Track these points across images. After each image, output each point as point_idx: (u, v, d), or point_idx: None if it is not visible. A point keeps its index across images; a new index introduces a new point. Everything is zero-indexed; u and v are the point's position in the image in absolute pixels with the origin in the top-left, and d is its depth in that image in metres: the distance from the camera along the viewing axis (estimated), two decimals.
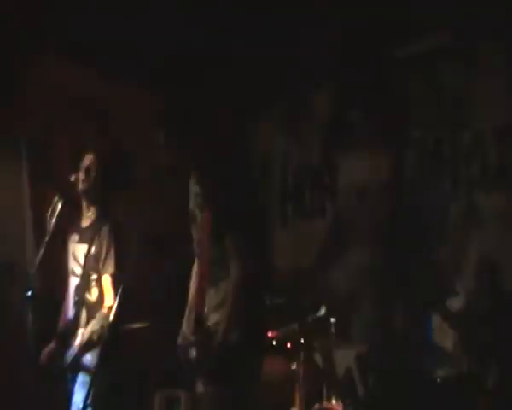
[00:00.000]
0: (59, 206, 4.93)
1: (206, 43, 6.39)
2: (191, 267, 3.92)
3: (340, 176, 6.62)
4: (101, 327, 4.75)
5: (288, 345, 5.66)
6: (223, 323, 3.49)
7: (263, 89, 7.28)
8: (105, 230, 4.99)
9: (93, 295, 4.96)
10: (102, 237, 4.97)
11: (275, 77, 7.04)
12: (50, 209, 4.93)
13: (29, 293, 4.74)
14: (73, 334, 4.99)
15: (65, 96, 6.92)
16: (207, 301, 3.64)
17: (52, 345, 5.08)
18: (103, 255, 4.95)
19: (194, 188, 3.83)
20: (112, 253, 4.94)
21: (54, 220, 4.91)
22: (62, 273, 5.34)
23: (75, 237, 5.22)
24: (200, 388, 3.66)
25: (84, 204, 5.18)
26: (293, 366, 5.40)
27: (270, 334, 5.62)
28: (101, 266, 4.96)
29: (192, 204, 3.83)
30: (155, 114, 3.82)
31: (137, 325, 6.02)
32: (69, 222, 5.31)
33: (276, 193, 7.59)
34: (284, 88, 7.30)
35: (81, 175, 5.08)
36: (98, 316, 4.84)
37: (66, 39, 6.56)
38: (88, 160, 5.12)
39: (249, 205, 3.65)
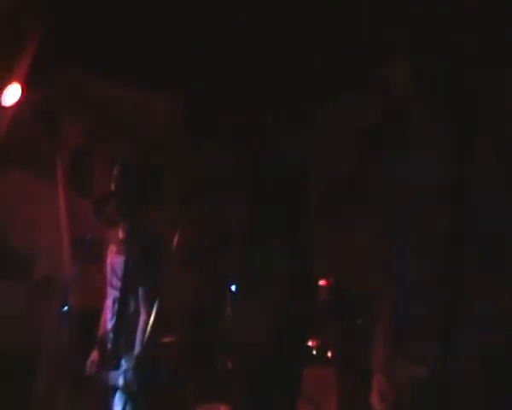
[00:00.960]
0: (95, 220, 4.89)
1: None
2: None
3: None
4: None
5: (329, 354, 5.58)
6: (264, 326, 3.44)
7: (297, 97, 7.22)
8: (143, 241, 4.97)
9: (130, 308, 4.92)
10: (139, 250, 4.94)
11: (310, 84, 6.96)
12: (87, 224, 4.89)
13: (65, 308, 4.67)
14: (115, 349, 4.96)
15: (100, 111, 6.95)
16: (247, 311, 3.61)
17: (95, 355, 5.06)
18: (141, 267, 4.91)
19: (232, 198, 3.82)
20: (149, 265, 4.90)
21: (90, 236, 4.86)
22: (100, 286, 5.31)
23: (113, 248, 5.21)
24: (240, 400, 3.60)
25: (121, 216, 5.15)
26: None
27: (310, 343, 5.57)
28: (138, 277, 4.92)
29: (229, 214, 3.81)
30: (190, 124, 3.80)
31: (169, 339, 6.03)
32: (106, 235, 5.31)
33: (315, 200, 7.48)
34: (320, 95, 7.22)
35: (112, 187, 5.05)
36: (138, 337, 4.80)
37: (100, 56, 6.55)
38: (118, 171, 5.09)
39: (290, 211, 3.63)
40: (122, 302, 4.91)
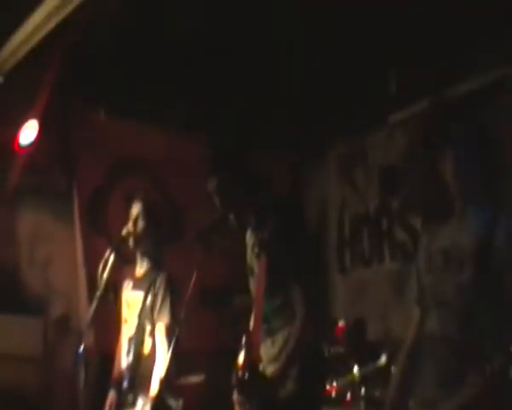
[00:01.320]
0: (111, 259, 4.83)
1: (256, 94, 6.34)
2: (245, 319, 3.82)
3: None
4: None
5: (348, 396, 5.48)
6: (280, 367, 3.37)
7: (317, 136, 7.20)
8: (160, 279, 4.93)
9: (146, 347, 4.86)
10: (158, 286, 4.91)
11: (330, 124, 6.94)
12: (102, 263, 4.83)
13: (80, 349, 4.59)
14: (132, 389, 4.86)
15: (117, 151, 6.96)
16: (264, 352, 3.57)
17: (111, 395, 4.98)
18: (158, 304, 4.87)
19: (250, 240, 3.79)
20: (167, 302, 4.85)
21: (106, 274, 4.80)
22: (115, 327, 5.26)
23: (129, 284, 5.18)
24: None
25: (138, 254, 5.12)
26: None
27: (328, 387, 5.47)
28: (155, 315, 4.86)
29: (249, 257, 3.78)
30: (209, 165, 3.77)
31: (194, 379, 5.95)
32: (123, 272, 5.29)
33: (333, 241, 7.43)
34: (339, 132, 7.20)
35: (130, 225, 5.02)
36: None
37: (116, 97, 6.56)
38: (136, 209, 5.07)
39: (309, 252, 3.60)
40: (138, 340, 4.83)
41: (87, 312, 4.86)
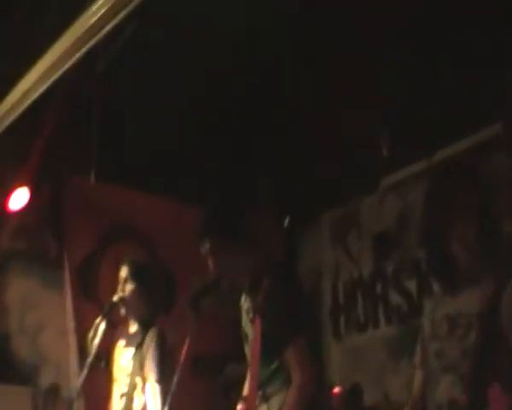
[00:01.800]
0: (102, 326, 4.76)
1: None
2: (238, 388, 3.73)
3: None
4: None
5: None
6: None
7: (310, 202, 7.19)
8: (151, 334, 4.87)
9: (136, 404, 4.77)
10: (148, 342, 4.84)
11: (322, 189, 6.93)
12: (93, 329, 4.75)
13: None
14: None
15: (109, 217, 6.91)
16: None
17: None
18: (147, 360, 4.79)
19: (245, 304, 3.73)
20: (156, 358, 4.78)
21: (96, 341, 4.72)
22: (107, 397, 5.16)
23: (122, 342, 5.12)
24: None
25: (129, 317, 5.08)
26: None
27: None
28: (145, 371, 4.78)
29: (244, 322, 3.72)
30: (202, 226, 3.71)
31: None
32: (116, 333, 5.23)
33: (327, 307, 7.36)
34: (331, 198, 7.18)
35: (119, 289, 4.99)
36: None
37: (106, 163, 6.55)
38: (124, 272, 5.04)
39: (305, 315, 3.53)
40: (128, 396, 4.74)
41: (79, 381, 4.72)
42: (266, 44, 5.42)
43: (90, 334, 4.75)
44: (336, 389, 5.79)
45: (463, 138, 5.84)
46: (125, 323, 5.17)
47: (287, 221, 5.16)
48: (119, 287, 5.00)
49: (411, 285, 6.35)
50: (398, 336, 6.42)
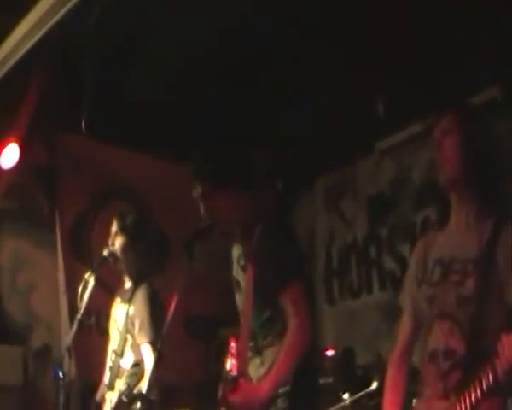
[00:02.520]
0: (91, 282, 4.70)
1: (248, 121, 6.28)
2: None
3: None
4: (129, 387, 4.46)
5: None
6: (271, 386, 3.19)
7: (303, 165, 7.13)
8: (141, 290, 4.86)
9: (126, 360, 4.76)
10: (138, 299, 4.83)
11: (315, 152, 6.85)
12: (82, 285, 4.69)
13: (59, 373, 4.44)
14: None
15: (102, 176, 6.85)
16: (253, 372, 3.40)
17: None
18: (139, 316, 4.77)
19: (236, 252, 3.66)
20: (148, 313, 4.75)
21: (85, 298, 4.66)
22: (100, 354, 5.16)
23: (118, 300, 5.12)
24: None
25: (122, 272, 5.06)
26: None
27: None
28: (138, 329, 4.76)
29: (235, 270, 3.65)
30: (194, 170, 3.64)
31: None
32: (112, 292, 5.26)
33: (320, 273, 7.32)
34: (325, 163, 7.12)
35: (110, 241, 4.95)
36: (125, 375, 4.58)
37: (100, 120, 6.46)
38: (115, 225, 5.02)
39: (299, 262, 3.46)
40: (118, 352, 4.70)
41: (70, 341, 4.65)
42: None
43: (80, 290, 4.69)
44: (329, 352, 5.75)
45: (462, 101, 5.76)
46: (120, 280, 5.15)
47: (280, 185, 5.08)
48: (110, 241, 4.94)
49: (406, 250, 6.29)
50: (391, 301, 6.35)
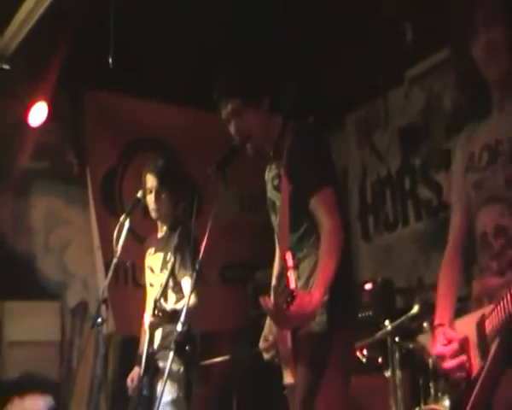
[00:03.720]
0: (126, 225, 4.66)
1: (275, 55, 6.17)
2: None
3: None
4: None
5: (380, 360, 5.28)
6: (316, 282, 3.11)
7: (333, 104, 7.04)
8: (179, 232, 4.80)
9: (170, 303, 4.69)
10: (176, 241, 4.76)
11: (344, 87, 6.76)
12: (117, 230, 4.65)
13: (99, 320, 4.41)
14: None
15: (130, 130, 6.82)
16: None
17: (135, 370, 4.84)
18: (179, 256, 4.71)
19: (269, 173, 3.61)
20: (188, 254, 4.69)
21: (121, 241, 4.62)
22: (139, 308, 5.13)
23: (151, 250, 5.08)
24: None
25: (156, 217, 5.01)
26: (387, 374, 4.98)
27: (358, 352, 5.27)
28: (177, 267, 4.71)
29: (269, 191, 3.59)
30: (222, 87, 3.56)
31: (219, 359, 5.78)
32: (145, 244, 5.20)
33: (355, 209, 7.25)
34: (354, 97, 7.02)
35: (148, 196, 4.92)
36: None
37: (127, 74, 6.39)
38: (148, 171, 4.97)
39: (330, 167, 3.38)
40: (161, 297, 4.66)
41: (106, 296, 4.61)
42: None
43: (115, 234, 4.65)
44: (368, 285, 5.68)
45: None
46: (152, 231, 5.13)
47: (311, 119, 4.98)
48: (148, 194, 4.93)
49: (440, 178, 6.18)
50: (428, 231, 6.28)
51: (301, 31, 6.10)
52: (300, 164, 3.28)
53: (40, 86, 6.03)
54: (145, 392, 4.62)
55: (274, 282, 3.56)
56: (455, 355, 2.62)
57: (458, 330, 2.68)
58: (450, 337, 2.66)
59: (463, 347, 2.62)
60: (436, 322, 2.76)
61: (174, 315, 4.44)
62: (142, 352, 4.79)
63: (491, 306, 2.51)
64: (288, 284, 2.86)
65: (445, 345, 2.65)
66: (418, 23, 5.87)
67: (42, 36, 5.75)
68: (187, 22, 5.95)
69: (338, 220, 3.18)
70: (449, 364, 2.63)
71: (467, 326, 2.64)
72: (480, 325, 2.56)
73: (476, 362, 2.57)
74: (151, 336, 4.70)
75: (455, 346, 2.63)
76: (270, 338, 3.57)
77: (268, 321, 3.62)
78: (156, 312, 4.45)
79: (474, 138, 2.75)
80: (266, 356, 3.62)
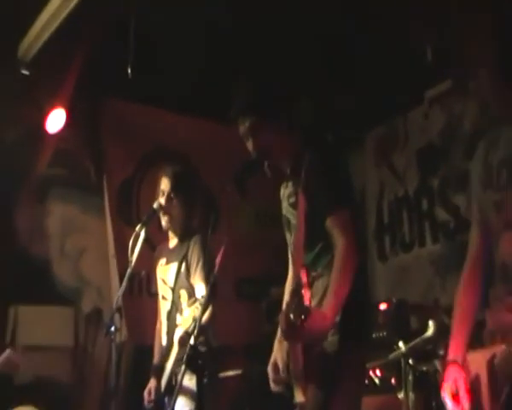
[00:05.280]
0: (142, 235, 4.65)
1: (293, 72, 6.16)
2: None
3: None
4: (194, 318, 4.35)
5: (393, 380, 5.24)
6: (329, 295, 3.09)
7: (353, 122, 7.02)
8: (194, 241, 4.76)
9: (185, 316, 4.54)
10: (192, 249, 4.74)
11: (365, 108, 6.75)
12: (132, 240, 4.64)
13: (112, 328, 4.40)
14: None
15: (147, 140, 6.84)
16: None
17: (151, 383, 4.78)
18: (194, 266, 4.69)
19: (285, 191, 3.59)
20: (203, 263, 4.65)
21: (136, 251, 4.61)
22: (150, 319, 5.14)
23: (163, 260, 5.02)
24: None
25: (170, 228, 4.96)
26: (400, 395, 4.94)
27: (371, 372, 5.24)
28: (192, 277, 4.68)
29: (285, 209, 3.57)
30: (241, 103, 3.54)
31: (231, 373, 5.77)
32: (155, 253, 5.16)
33: (371, 228, 7.25)
34: (374, 117, 7.00)
35: (161, 199, 4.87)
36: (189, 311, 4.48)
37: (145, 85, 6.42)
38: (164, 182, 4.92)
39: (348, 189, 3.36)
40: (175, 309, 4.66)
41: (120, 304, 4.60)
42: None
43: (130, 244, 4.64)
44: (383, 306, 5.64)
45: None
46: (163, 241, 5.09)
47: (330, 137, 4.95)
48: (160, 197, 4.88)
49: (458, 200, 6.15)
50: (445, 253, 6.27)
51: (322, 48, 6.10)
52: (318, 183, 3.26)
53: (59, 93, 6.04)
54: None
55: (287, 298, 3.53)
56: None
57: (470, 366, 2.65)
58: (458, 387, 2.64)
59: (474, 386, 2.60)
60: (450, 357, 2.73)
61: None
62: (158, 363, 4.79)
63: (503, 346, 2.48)
64: (302, 301, 2.84)
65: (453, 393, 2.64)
66: (439, 43, 5.85)
67: (61, 42, 5.76)
68: (207, 35, 5.96)
69: (353, 242, 3.16)
70: None
71: (478, 364, 2.61)
72: (492, 365, 2.53)
73: (487, 402, 2.54)
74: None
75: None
76: (279, 364, 3.52)
77: (276, 344, 3.59)
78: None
79: (493, 149, 2.68)
80: (274, 388, 3.59)
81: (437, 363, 4.61)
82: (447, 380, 2.69)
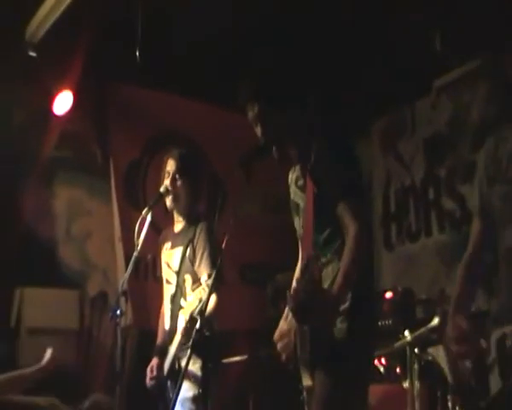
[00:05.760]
0: (148, 219, 4.64)
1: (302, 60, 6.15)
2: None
3: None
4: (200, 301, 4.35)
5: (398, 369, 5.25)
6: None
7: (360, 111, 7.00)
8: (200, 228, 4.74)
9: (189, 301, 4.54)
10: (197, 236, 4.72)
11: (372, 97, 6.73)
12: (138, 224, 4.63)
13: (117, 312, 4.40)
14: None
15: (154, 123, 6.83)
16: None
17: (154, 361, 4.79)
18: (199, 253, 4.67)
19: (293, 175, 3.59)
20: (207, 249, 4.64)
21: (142, 235, 4.60)
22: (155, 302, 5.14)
23: (168, 245, 4.99)
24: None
25: (175, 211, 4.93)
26: (405, 384, 4.95)
27: (376, 361, 5.25)
28: (197, 264, 4.67)
29: (293, 193, 3.57)
30: (249, 88, 3.53)
31: (236, 358, 5.78)
32: (161, 236, 5.14)
33: (378, 217, 7.25)
34: (381, 106, 6.98)
35: (166, 180, 4.84)
36: (193, 295, 4.48)
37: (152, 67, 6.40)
38: (170, 164, 4.88)
39: (357, 178, 3.36)
40: (179, 294, 4.65)
41: (126, 288, 4.60)
42: None
43: (136, 228, 4.63)
44: (388, 294, 5.65)
45: None
46: (168, 225, 5.07)
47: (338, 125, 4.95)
48: (166, 180, 4.84)
49: (465, 189, 6.15)
50: (451, 243, 6.27)
51: (330, 38, 6.08)
52: (327, 169, 3.26)
53: (66, 75, 6.04)
54: (170, 395, 4.60)
55: (297, 274, 3.52)
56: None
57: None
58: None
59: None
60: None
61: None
62: (161, 344, 4.82)
63: None
64: (312, 277, 2.85)
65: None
66: (448, 32, 5.84)
67: (69, 25, 5.75)
68: (216, 19, 5.94)
69: (363, 225, 3.16)
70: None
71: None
72: (501, 343, 2.55)
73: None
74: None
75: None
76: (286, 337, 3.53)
77: (282, 322, 3.59)
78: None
79: (503, 144, 2.69)
80: (280, 348, 3.57)
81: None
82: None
